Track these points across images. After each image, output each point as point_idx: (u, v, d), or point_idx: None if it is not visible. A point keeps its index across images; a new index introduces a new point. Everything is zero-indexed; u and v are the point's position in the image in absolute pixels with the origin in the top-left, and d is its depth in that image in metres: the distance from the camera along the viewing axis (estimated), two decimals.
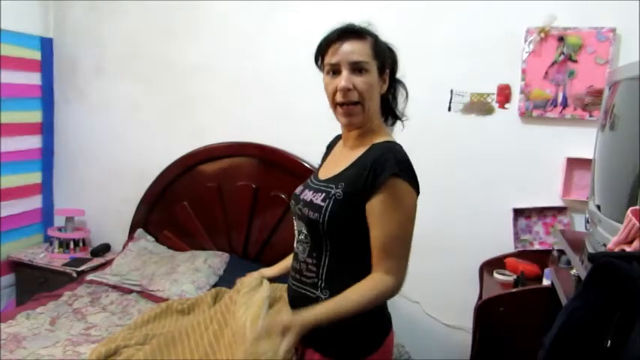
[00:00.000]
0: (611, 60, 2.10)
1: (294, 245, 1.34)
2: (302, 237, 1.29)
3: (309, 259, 1.26)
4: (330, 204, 1.19)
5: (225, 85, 2.80)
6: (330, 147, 1.49)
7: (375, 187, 1.15)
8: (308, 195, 1.27)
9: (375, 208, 1.16)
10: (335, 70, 1.21)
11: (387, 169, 1.15)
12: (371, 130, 1.28)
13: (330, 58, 1.22)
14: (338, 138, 1.45)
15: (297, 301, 1.28)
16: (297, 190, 1.36)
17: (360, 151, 1.25)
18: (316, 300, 1.22)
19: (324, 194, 1.22)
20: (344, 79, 1.19)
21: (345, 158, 1.28)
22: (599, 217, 1.31)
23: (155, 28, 2.92)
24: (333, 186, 1.22)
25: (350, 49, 1.19)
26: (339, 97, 1.21)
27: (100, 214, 3.16)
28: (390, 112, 1.36)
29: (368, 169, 1.17)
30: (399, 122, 1.39)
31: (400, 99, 1.36)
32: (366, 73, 1.20)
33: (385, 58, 1.26)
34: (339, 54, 1.20)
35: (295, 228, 1.34)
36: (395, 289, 1.16)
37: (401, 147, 1.23)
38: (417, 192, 1.20)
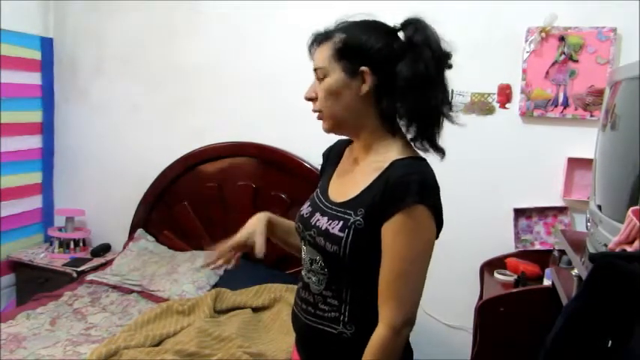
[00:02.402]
0: (612, 60, 2.09)
1: (302, 273, 1.19)
2: (316, 267, 1.13)
3: (326, 291, 1.12)
4: (351, 234, 1.05)
5: (225, 85, 2.80)
6: (330, 155, 1.31)
7: (391, 213, 1.01)
8: (322, 222, 1.11)
9: (387, 236, 1.03)
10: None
11: (410, 195, 0.99)
12: (377, 140, 1.11)
13: None
14: (341, 145, 1.29)
15: (313, 338, 1.16)
16: (305, 212, 1.19)
17: (375, 169, 1.09)
18: (339, 336, 1.10)
19: (341, 222, 1.07)
20: (307, 90, 1.15)
21: (357, 175, 1.14)
22: (600, 217, 1.30)
23: (155, 28, 2.92)
24: (352, 212, 1.07)
25: (315, 57, 1.13)
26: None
27: (100, 214, 3.15)
28: (387, 118, 1.10)
29: (388, 191, 1.02)
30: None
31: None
32: (324, 79, 1.10)
33: (360, 53, 1.06)
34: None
35: (305, 255, 1.19)
36: (397, 339, 1.03)
37: (428, 166, 1.06)
38: (439, 225, 1.06)
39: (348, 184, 1.15)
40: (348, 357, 1.10)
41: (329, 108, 1.11)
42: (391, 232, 1.02)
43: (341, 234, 1.06)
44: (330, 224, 1.09)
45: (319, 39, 1.13)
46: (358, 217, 1.06)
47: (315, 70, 1.12)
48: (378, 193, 1.04)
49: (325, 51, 1.10)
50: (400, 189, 1.01)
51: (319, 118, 1.15)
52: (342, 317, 1.10)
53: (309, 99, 1.14)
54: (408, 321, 1.04)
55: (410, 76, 1.04)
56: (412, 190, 1.00)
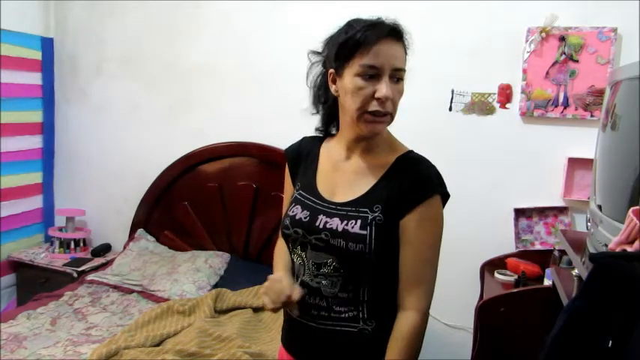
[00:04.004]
0: (613, 60, 2.09)
1: (306, 280, 1.15)
2: (327, 270, 1.11)
3: (342, 293, 1.11)
4: (374, 231, 1.06)
5: (226, 85, 2.80)
6: (299, 155, 1.27)
7: (414, 204, 1.06)
8: (334, 223, 1.09)
9: (410, 227, 1.07)
10: (372, 74, 1.04)
11: (432, 187, 1.07)
12: (382, 139, 1.14)
13: (370, 59, 1.03)
14: (309, 144, 1.27)
15: (330, 341, 1.13)
16: (301, 216, 1.15)
17: (380, 165, 1.13)
18: (360, 334, 1.11)
19: (359, 221, 1.07)
20: (386, 87, 1.03)
21: (355, 174, 1.14)
22: (601, 217, 1.30)
23: (155, 28, 2.92)
24: (367, 209, 1.08)
25: (393, 53, 1.04)
26: (374, 106, 1.04)
27: (101, 214, 3.16)
28: None
29: (409, 185, 1.07)
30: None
31: None
32: (401, 82, 1.08)
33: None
34: (382, 56, 1.03)
35: (305, 260, 1.14)
36: (425, 323, 1.12)
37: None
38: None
39: (347, 183, 1.15)
40: (370, 352, 1.11)
41: (396, 112, 1.10)
42: (414, 222, 1.07)
43: (363, 232, 1.06)
44: (346, 224, 1.08)
45: (398, 35, 1.07)
46: (377, 213, 1.08)
47: (398, 70, 1.06)
48: (395, 188, 1.08)
49: (403, 52, 1.08)
50: (423, 182, 1.07)
51: (380, 121, 1.07)
52: (360, 315, 1.11)
53: (387, 99, 1.04)
54: (430, 303, 1.12)
55: None
56: (434, 182, 1.08)
